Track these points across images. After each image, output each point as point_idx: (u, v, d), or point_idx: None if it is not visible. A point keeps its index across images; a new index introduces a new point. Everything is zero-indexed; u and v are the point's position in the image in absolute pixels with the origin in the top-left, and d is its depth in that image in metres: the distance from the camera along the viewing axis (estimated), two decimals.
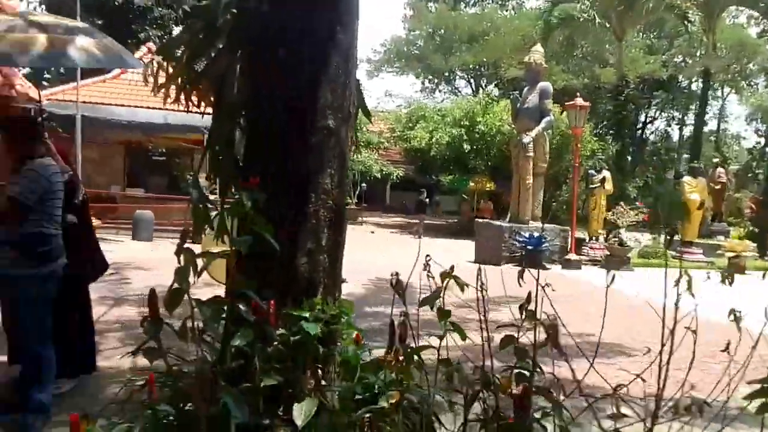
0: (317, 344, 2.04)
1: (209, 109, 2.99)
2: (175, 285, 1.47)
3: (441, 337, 1.72)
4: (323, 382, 2.08)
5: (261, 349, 2.07)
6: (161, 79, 2.96)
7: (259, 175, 2.55)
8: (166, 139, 16.86)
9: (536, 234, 12.31)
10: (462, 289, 1.74)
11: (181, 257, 1.53)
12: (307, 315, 2.08)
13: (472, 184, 22.36)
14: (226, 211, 1.97)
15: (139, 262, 9.40)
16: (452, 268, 1.72)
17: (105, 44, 3.52)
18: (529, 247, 12.13)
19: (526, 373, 1.99)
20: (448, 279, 1.70)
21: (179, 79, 2.81)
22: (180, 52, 2.73)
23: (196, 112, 2.88)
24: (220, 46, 2.71)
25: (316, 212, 2.44)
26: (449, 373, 1.78)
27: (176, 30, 28.74)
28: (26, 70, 17.75)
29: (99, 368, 4.18)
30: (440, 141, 20.71)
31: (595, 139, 21.22)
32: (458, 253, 14.39)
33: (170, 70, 2.80)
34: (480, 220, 14.69)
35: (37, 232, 3.24)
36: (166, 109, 14.85)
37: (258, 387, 1.97)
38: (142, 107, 15.25)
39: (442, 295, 1.70)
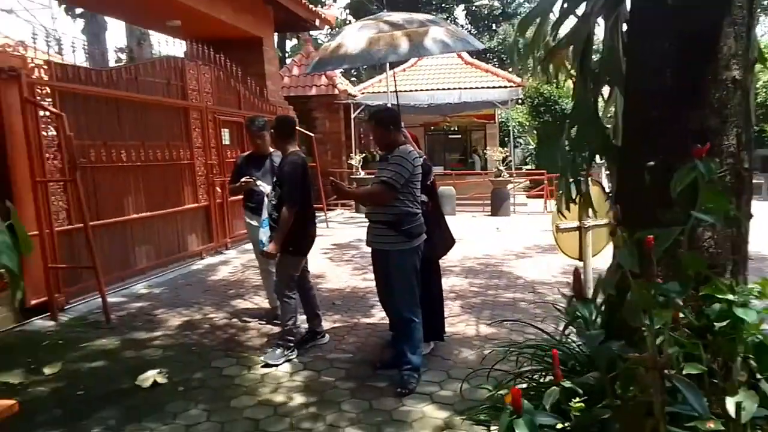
0: (753, 331, 1.75)
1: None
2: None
3: None
4: (758, 375, 1.79)
5: (670, 334, 1.88)
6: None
7: (640, 140, 2.35)
8: (460, 117, 17.65)
9: None
10: None
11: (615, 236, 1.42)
12: (733, 298, 1.80)
13: None
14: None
15: (457, 234, 9.96)
16: None
17: (452, 31, 3.69)
18: None
19: None
20: None
21: (536, 52, 2.74)
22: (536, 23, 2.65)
23: (554, 84, 2.78)
24: (580, 12, 2.54)
25: (722, 179, 2.11)
26: None
27: (458, 9, 29.78)
28: (340, 70, 20.52)
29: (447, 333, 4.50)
30: None
31: None
32: None
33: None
34: None
35: (404, 211, 3.58)
36: (461, 88, 15.65)
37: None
38: (438, 89, 16.25)
39: None
